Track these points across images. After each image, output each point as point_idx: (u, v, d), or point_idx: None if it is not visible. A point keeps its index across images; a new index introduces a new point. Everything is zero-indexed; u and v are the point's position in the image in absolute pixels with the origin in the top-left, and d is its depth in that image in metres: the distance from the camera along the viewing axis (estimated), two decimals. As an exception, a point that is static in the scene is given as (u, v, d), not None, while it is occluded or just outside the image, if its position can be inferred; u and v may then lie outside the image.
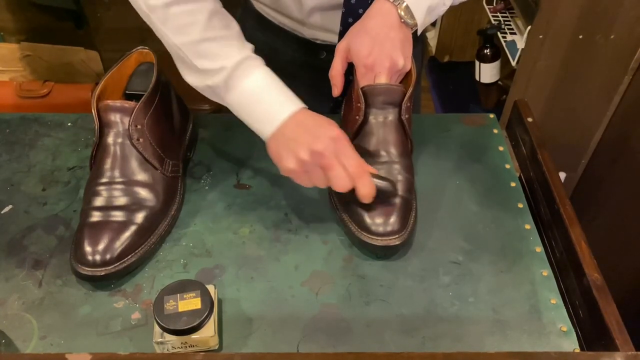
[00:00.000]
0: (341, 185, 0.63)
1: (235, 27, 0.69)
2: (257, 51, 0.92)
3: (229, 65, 0.65)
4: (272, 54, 0.92)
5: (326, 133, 0.63)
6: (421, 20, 0.70)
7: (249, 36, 0.92)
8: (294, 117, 0.65)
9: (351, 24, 0.72)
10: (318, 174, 0.64)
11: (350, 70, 0.72)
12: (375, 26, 0.68)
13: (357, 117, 0.70)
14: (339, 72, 0.71)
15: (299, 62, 0.89)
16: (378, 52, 0.68)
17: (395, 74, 0.70)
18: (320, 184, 0.65)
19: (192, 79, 0.69)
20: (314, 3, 0.80)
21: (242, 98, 0.66)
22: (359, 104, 0.70)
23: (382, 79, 0.69)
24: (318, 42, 0.85)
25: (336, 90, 0.72)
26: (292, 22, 0.85)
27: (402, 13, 0.68)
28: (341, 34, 0.80)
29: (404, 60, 0.69)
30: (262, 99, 0.66)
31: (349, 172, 0.63)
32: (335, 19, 0.80)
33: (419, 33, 0.73)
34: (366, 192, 0.64)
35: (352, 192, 0.69)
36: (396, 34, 0.68)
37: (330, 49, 0.84)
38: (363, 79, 0.70)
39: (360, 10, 0.78)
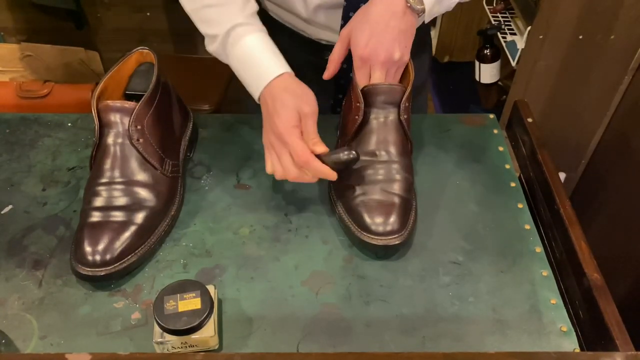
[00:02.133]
0: (288, 174, 0.66)
1: None
2: None
3: (221, 33, 0.70)
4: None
5: (279, 122, 0.66)
6: (430, 5, 0.68)
7: None
8: (268, 91, 0.68)
9: None
10: (272, 161, 0.68)
11: (350, 68, 0.72)
12: (377, 13, 0.67)
13: (357, 117, 0.70)
14: (337, 58, 0.71)
15: (304, 62, 0.89)
16: (375, 43, 0.67)
17: (392, 67, 0.69)
18: (276, 174, 0.68)
19: (206, 46, 0.73)
20: (319, 1, 0.80)
21: (235, 63, 0.71)
22: (358, 104, 0.69)
23: (377, 73, 0.68)
24: (323, 42, 0.86)
25: (327, 73, 0.72)
26: (298, 21, 0.85)
27: None
28: (342, 28, 0.80)
29: (400, 52, 0.67)
30: (247, 65, 0.70)
31: (295, 161, 0.65)
32: (338, 17, 0.80)
33: (426, 21, 0.71)
34: (320, 175, 0.66)
35: (352, 192, 0.69)
36: (397, 23, 0.66)
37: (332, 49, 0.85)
38: (359, 72, 0.69)
39: (362, 4, 0.78)
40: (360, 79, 0.70)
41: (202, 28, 0.72)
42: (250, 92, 0.71)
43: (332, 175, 0.66)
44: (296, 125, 0.66)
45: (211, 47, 0.73)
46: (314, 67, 0.88)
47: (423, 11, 0.68)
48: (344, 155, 0.66)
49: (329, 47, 0.86)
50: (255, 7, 0.73)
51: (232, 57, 0.71)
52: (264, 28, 0.73)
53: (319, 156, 0.66)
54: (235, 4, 0.71)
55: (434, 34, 2.11)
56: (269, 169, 0.69)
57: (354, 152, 0.66)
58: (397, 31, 0.67)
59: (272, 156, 0.68)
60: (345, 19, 0.79)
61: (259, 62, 0.70)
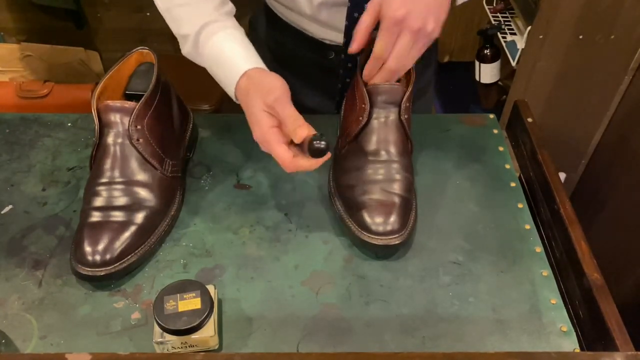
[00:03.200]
0: (286, 169, 0.64)
1: None
2: (268, 48, 0.92)
3: (192, 33, 0.69)
4: (282, 52, 0.92)
5: (255, 130, 0.65)
6: None
7: (261, 33, 0.92)
8: (238, 93, 0.67)
9: (357, 19, 0.71)
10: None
11: (355, 67, 0.72)
12: None
13: (361, 119, 0.70)
14: (364, 27, 0.65)
15: (308, 61, 0.89)
16: (410, 7, 0.61)
17: (421, 38, 0.63)
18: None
19: (181, 48, 0.72)
20: None
21: (208, 64, 0.70)
22: (363, 105, 0.69)
23: (405, 39, 0.62)
24: (327, 42, 0.86)
25: (354, 45, 0.66)
26: (302, 20, 0.85)
27: None
28: (347, 29, 0.80)
29: (434, 24, 0.63)
30: (220, 66, 0.69)
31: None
32: (341, 15, 0.80)
33: (458, 2, 0.68)
34: (309, 168, 0.63)
35: (352, 191, 0.69)
36: None
37: (338, 50, 0.84)
38: (386, 34, 0.63)
39: (366, 6, 0.78)
40: (384, 47, 0.64)
41: (174, 28, 0.71)
42: (226, 90, 0.70)
43: (316, 165, 0.63)
44: (270, 126, 0.64)
45: (184, 49, 0.71)
46: (318, 66, 0.88)
47: None
48: (317, 144, 0.62)
49: (333, 47, 0.86)
50: (232, 8, 0.72)
51: (205, 58, 0.69)
52: (238, 26, 0.71)
53: (304, 142, 0.63)
54: (210, 3, 0.70)
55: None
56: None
57: (323, 143, 0.62)
58: (434, 1, 0.63)
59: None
60: (350, 19, 0.79)
61: (227, 61, 0.68)
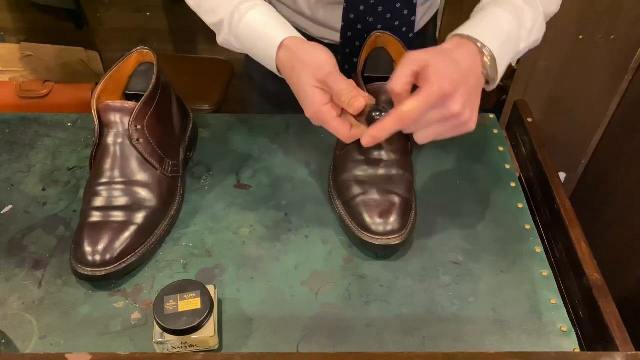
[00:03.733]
0: (346, 140, 0.61)
1: None
2: None
3: (225, 17, 0.67)
4: None
5: (308, 109, 0.61)
6: (500, 76, 0.61)
7: None
8: (281, 65, 0.64)
9: (352, 20, 0.71)
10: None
11: (352, 67, 0.72)
12: (461, 58, 0.57)
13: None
14: (404, 86, 0.56)
15: None
16: (457, 84, 0.55)
17: (451, 120, 0.57)
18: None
19: (217, 39, 0.71)
20: None
21: (246, 44, 0.68)
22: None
23: (434, 117, 0.56)
24: (325, 41, 0.86)
25: (395, 101, 0.59)
26: (302, 20, 0.85)
27: (488, 62, 0.59)
28: (343, 30, 0.80)
29: (470, 114, 0.57)
30: (255, 42, 0.67)
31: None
32: (337, 14, 0.80)
33: (488, 89, 0.63)
34: (367, 142, 0.58)
35: (352, 191, 0.69)
36: (478, 78, 0.58)
37: (335, 49, 0.85)
38: (425, 101, 0.55)
39: (362, 7, 0.77)
40: (419, 112, 0.55)
41: (208, 19, 0.71)
42: (265, 64, 0.67)
43: (377, 139, 0.58)
44: (324, 103, 0.60)
45: (220, 37, 0.70)
46: None
47: (493, 82, 0.61)
48: (376, 116, 0.58)
49: (330, 46, 0.86)
50: None
51: (241, 39, 0.68)
52: (268, 4, 0.69)
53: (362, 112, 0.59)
54: None
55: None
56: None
57: (382, 114, 0.58)
58: (477, 86, 0.59)
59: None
60: (345, 20, 0.79)
61: (262, 35, 0.66)
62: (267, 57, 0.66)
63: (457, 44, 0.60)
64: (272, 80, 0.74)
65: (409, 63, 0.56)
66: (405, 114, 0.55)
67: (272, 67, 0.66)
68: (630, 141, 1.32)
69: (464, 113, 0.56)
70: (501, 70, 0.62)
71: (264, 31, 0.66)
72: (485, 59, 0.59)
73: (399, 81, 0.56)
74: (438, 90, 0.54)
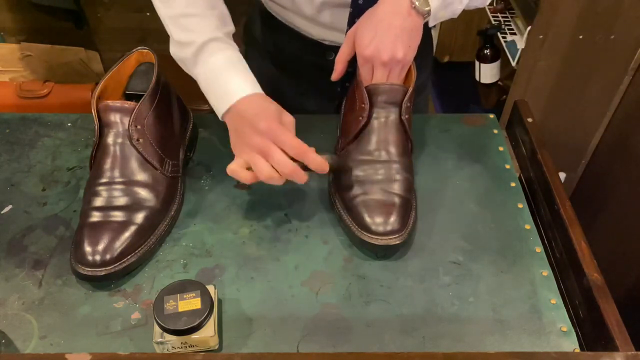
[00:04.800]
0: (285, 169, 0.65)
1: (220, 8, 0.73)
2: (265, 50, 0.92)
3: (199, 41, 0.70)
4: (280, 54, 0.92)
5: (264, 121, 0.65)
6: (435, 7, 0.68)
7: (257, 36, 0.92)
8: (241, 104, 0.68)
9: None
10: (260, 164, 0.65)
11: (352, 63, 0.72)
12: (381, 12, 0.67)
13: (361, 118, 0.70)
14: (343, 58, 0.71)
15: (307, 63, 0.89)
16: (378, 42, 0.66)
17: (395, 66, 0.68)
18: (263, 176, 0.65)
19: (171, 49, 0.73)
20: None
21: (205, 74, 0.71)
22: (363, 104, 0.69)
23: (378, 72, 0.68)
24: (326, 43, 0.85)
25: (335, 75, 0.72)
26: (301, 21, 0.85)
27: None
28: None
29: (404, 51, 0.67)
30: (220, 78, 0.70)
31: (291, 155, 0.65)
32: (344, 16, 0.80)
33: (430, 24, 0.71)
34: (316, 166, 0.65)
35: (352, 191, 0.69)
36: (401, 22, 0.66)
37: (337, 51, 0.85)
38: (362, 69, 0.70)
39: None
40: (365, 78, 0.70)
41: (177, 34, 0.72)
42: (215, 105, 0.71)
43: (325, 167, 0.66)
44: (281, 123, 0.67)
45: (181, 52, 0.72)
46: (318, 68, 0.88)
47: (429, 13, 0.68)
48: (333, 159, 0.69)
49: (332, 48, 0.86)
50: (233, 29, 0.74)
51: (203, 66, 0.70)
52: (238, 49, 0.73)
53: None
54: (216, 18, 0.72)
55: (433, 34, 2.10)
56: (262, 174, 0.65)
57: (337, 159, 0.70)
58: (400, 30, 0.66)
59: (258, 160, 0.65)
60: (352, 24, 0.79)
61: (232, 78, 0.69)
62: (226, 97, 0.69)
63: None
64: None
65: (346, 39, 0.70)
66: (362, 92, 0.70)
67: (223, 105, 0.70)
68: (630, 141, 1.32)
69: (397, 55, 0.67)
70: (434, 3, 0.67)
71: (235, 74, 0.70)
72: None
73: (337, 56, 0.72)
74: (362, 58, 0.68)
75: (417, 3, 0.66)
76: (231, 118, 0.69)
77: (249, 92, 0.68)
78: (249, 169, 0.67)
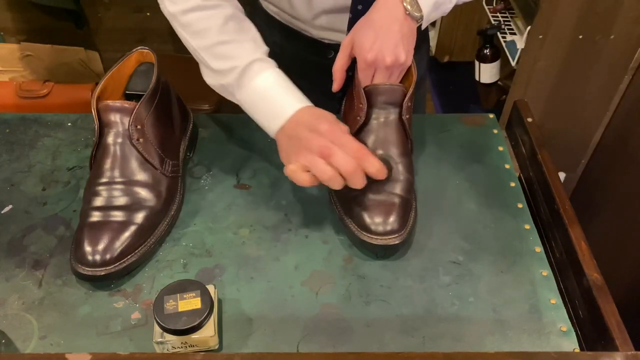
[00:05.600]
0: (347, 167, 0.62)
1: (251, 30, 0.73)
2: None
3: (240, 65, 0.69)
4: (280, 53, 0.92)
5: (320, 126, 0.64)
6: (427, 12, 0.69)
7: None
8: (295, 116, 0.67)
9: None
10: (321, 166, 0.63)
11: (351, 67, 0.72)
12: (379, 19, 0.68)
13: (359, 118, 0.70)
14: (341, 67, 0.72)
15: (307, 61, 0.89)
16: (379, 46, 0.67)
17: (396, 69, 0.70)
18: (326, 176, 0.63)
19: (209, 79, 0.73)
20: (324, 6, 0.80)
21: (251, 96, 0.69)
22: (360, 104, 0.70)
23: (380, 75, 0.69)
24: (326, 41, 0.86)
25: (336, 85, 0.73)
26: (300, 22, 0.85)
27: (408, 6, 0.67)
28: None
29: (405, 55, 0.68)
30: (270, 97, 0.69)
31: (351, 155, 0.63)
32: (342, 20, 0.80)
33: (423, 27, 0.72)
34: (376, 170, 0.64)
35: (352, 192, 0.69)
36: (399, 27, 0.67)
37: (338, 49, 0.85)
38: (362, 74, 0.70)
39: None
40: (364, 81, 0.70)
41: (214, 63, 0.70)
42: (265, 125, 0.69)
43: (384, 171, 0.65)
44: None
45: (222, 80, 0.70)
46: (318, 67, 0.88)
47: (421, 18, 0.69)
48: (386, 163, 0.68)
49: (332, 46, 0.86)
50: (267, 48, 0.73)
51: (248, 89, 0.69)
52: (277, 66, 0.72)
53: None
54: (251, 40, 0.71)
55: (433, 34, 2.11)
56: (323, 175, 0.63)
57: (389, 164, 0.69)
58: (400, 35, 0.67)
59: (319, 162, 0.63)
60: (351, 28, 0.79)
61: (281, 96, 0.68)
62: (279, 113, 0.68)
63: (377, 1, 0.69)
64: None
65: (343, 48, 0.71)
66: (359, 92, 0.70)
67: (276, 122, 0.68)
68: (630, 141, 1.32)
69: (399, 58, 0.68)
70: (426, 9, 0.69)
71: (285, 92, 0.69)
72: (406, 3, 0.67)
73: (335, 66, 0.72)
74: (364, 63, 0.69)
75: (410, 9, 0.68)
76: (284, 132, 0.67)
77: (301, 106, 0.67)
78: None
